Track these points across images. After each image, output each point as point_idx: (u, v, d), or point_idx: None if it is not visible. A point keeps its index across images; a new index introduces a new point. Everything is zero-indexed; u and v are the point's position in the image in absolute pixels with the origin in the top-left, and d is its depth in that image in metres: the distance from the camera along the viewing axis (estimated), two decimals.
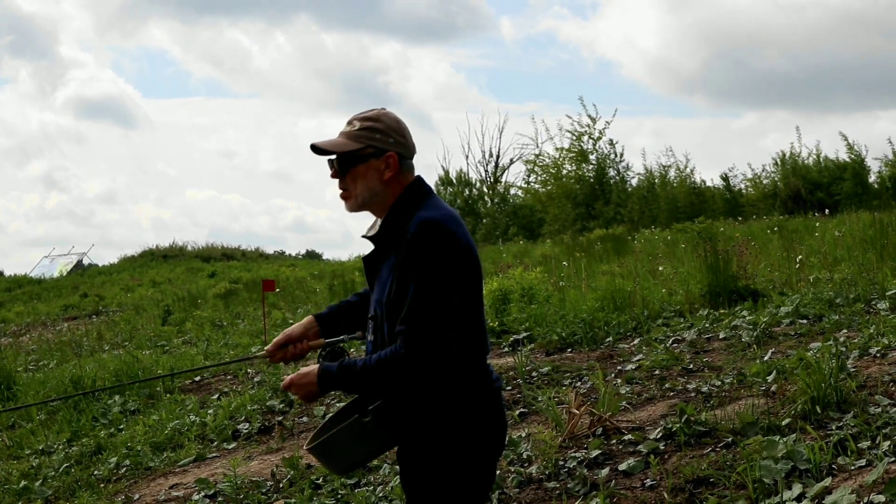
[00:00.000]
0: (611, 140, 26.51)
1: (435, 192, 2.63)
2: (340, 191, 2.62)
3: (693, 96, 62.20)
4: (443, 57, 76.33)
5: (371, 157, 2.56)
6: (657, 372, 6.12)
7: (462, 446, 2.49)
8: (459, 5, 79.95)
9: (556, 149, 27.62)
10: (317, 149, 2.59)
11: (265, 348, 2.81)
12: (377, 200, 2.58)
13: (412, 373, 2.39)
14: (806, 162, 22.29)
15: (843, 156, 21.67)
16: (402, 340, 2.39)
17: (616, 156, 26.55)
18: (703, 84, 63.24)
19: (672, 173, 24.97)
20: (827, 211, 17.16)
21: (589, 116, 26.28)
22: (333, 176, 2.63)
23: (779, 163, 22.75)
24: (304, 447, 2.72)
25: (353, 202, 2.60)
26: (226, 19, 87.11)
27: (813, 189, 21.10)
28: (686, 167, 25.20)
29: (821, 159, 22.15)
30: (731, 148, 54.00)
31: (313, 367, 2.57)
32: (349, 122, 2.63)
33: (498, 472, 4.66)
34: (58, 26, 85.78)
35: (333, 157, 2.61)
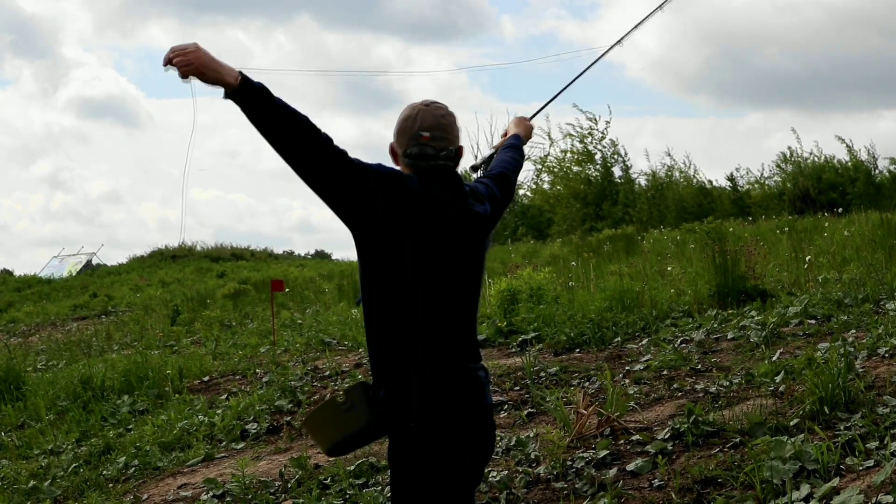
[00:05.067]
0: (612, 140, 26.48)
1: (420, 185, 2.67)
2: None
3: (697, 95, 61.90)
4: (444, 56, 76.20)
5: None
6: (665, 372, 6.12)
7: (409, 430, 2.54)
8: (460, 5, 79.89)
9: (562, 150, 27.59)
10: None
11: None
12: None
13: (302, 137, 2.50)
14: (810, 161, 22.25)
15: (844, 156, 21.65)
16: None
17: (620, 156, 26.51)
18: (707, 84, 62.94)
19: (676, 174, 24.95)
20: (840, 210, 17.08)
21: (588, 119, 26.25)
22: None
23: (781, 164, 22.75)
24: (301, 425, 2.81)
25: None
26: (225, 17, 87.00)
27: (822, 189, 21.03)
28: (689, 167, 25.22)
29: (825, 158, 22.10)
30: (735, 148, 53.76)
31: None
32: None
33: (506, 472, 4.68)
34: (59, 26, 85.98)
35: None
